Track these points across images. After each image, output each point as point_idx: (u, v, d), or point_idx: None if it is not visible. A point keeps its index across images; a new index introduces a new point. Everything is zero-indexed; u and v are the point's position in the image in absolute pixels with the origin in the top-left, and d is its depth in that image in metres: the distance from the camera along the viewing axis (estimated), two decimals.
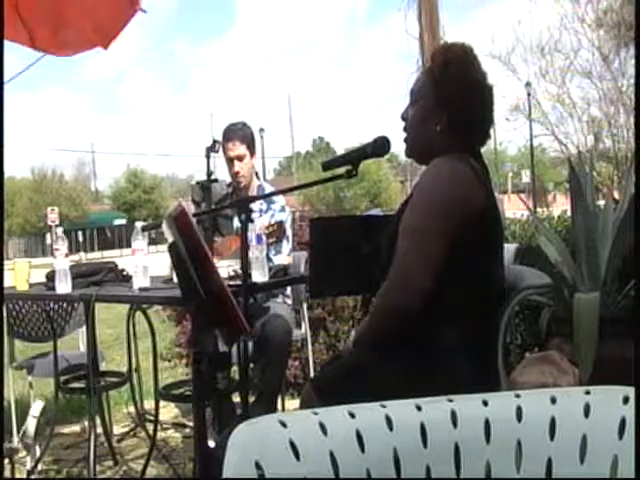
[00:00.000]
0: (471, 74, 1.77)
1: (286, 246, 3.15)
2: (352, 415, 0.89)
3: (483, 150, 1.85)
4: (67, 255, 2.61)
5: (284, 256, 3.10)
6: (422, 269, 1.62)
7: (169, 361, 4.35)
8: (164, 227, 1.79)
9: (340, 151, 37.85)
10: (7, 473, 2.82)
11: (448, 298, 1.63)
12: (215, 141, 2.94)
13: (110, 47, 3.32)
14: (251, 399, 2.77)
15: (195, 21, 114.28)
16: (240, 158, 3.17)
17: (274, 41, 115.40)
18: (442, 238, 1.63)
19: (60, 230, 2.76)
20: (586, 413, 0.90)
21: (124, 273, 2.84)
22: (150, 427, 3.02)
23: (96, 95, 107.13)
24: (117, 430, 3.47)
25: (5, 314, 3.13)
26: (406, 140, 1.87)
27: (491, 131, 1.84)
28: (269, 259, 2.88)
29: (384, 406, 0.91)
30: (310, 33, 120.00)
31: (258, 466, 0.81)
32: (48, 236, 34.24)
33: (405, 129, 1.86)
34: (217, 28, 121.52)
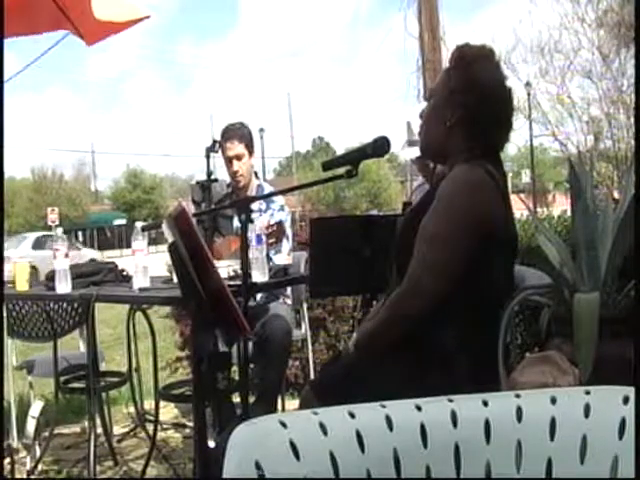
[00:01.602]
0: (489, 76, 1.75)
1: (286, 245, 3.15)
2: (352, 415, 0.89)
3: None
4: (67, 255, 2.61)
5: (284, 255, 3.10)
6: (440, 277, 1.63)
7: (170, 367, 4.33)
8: (164, 227, 1.79)
9: (340, 151, 37.90)
10: (7, 473, 2.82)
11: (451, 298, 1.64)
12: (215, 141, 2.95)
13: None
14: (251, 399, 2.77)
15: (197, 21, 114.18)
16: (239, 157, 3.18)
17: (276, 42, 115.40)
18: (461, 246, 1.64)
19: (60, 230, 2.76)
20: (586, 413, 0.90)
21: (124, 273, 2.84)
22: (150, 427, 3.02)
23: (96, 95, 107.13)
24: (117, 430, 3.47)
25: (5, 314, 3.12)
26: (420, 137, 1.87)
27: (510, 135, 1.83)
28: (269, 259, 2.88)
29: (384, 406, 0.91)
30: (311, 34, 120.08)
31: (258, 466, 0.81)
32: None
33: (422, 127, 1.86)
34: (219, 28, 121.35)
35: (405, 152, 2.81)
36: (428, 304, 1.62)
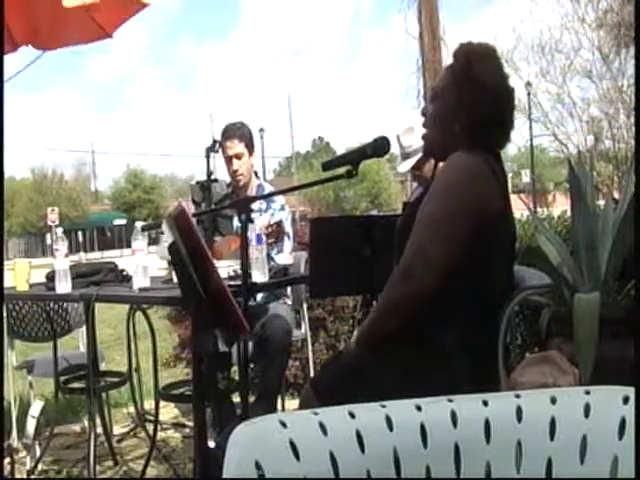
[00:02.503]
0: (493, 76, 1.74)
1: (287, 244, 3.15)
2: (352, 415, 0.89)
3: None
4: (67, 255, 2.62)
5: (286, 255, 3.10)
6: (433, 261, 1.62)
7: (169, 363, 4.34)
8: (164, 227, 1.79)
9: (340, 151, 37.88)
10: (7, 473, 2.82)
11: (451, 297, 1.63)
12: (215, 141, 2.95)
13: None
14: (251, 399, 2.77)
15: (199, 21, 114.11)
16: (238, 156, 3.18)
17: (276, 42, 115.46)
18: (455, 232, 1.63)
19: (60, 230, 2.76)
20: (586, 413, 0.90)
21: (124, 273, 2.84)
22: (150, 427, 3.02)
23: (96, 95, 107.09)
24: (117, 430, 3.47)
25: (5, 314, 3.12)
26: (424, 137, 1.87)
27: (510, 136, 1.83)
28: (271, 258, 2.89)
29: (384, 406, 0.91)
30: (312, 34, 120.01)
31: (258, 466, 0.81)
32: (48, 236, 34.24)
33: (424, 125, 1.86)
34: (221, 28, 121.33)
35: (402, 167, 2.85)
36: (421, 285, 1.61)
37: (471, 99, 1.71)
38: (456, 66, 1.77)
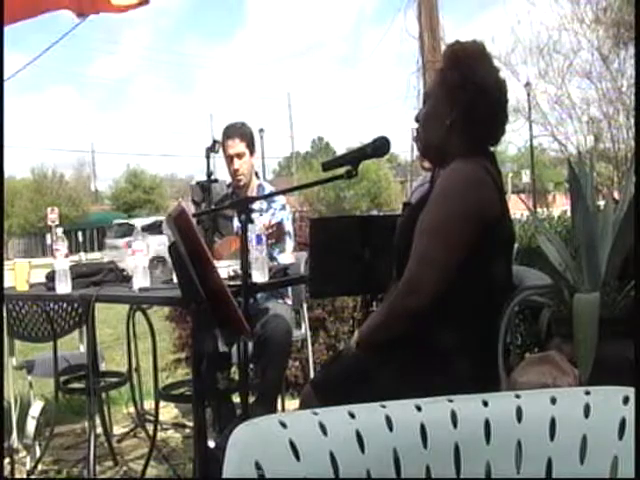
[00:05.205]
0: (482, 72, 1.75)
1: (289, 243, 3.16)
2: (352, 415, 0.89)
3: None
4: (67, 255, 2.61)
5: (288, 254, 3.11)
6: (439, 271, 1.63)
7: (169, 368, 4.34)
8: (164, 227, 1.79)
9: (340, 151, 37.85)
10: (7, 473, 2.82)
11: (451, 299, 1.63)
12: (215, 141, 2.95)
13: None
14: (251, 399, 2.77)
15: (202, 22, 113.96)
16: (239, 156, 3.19)
17: (277, 43, 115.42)
18: (459, 241, 1.63)
19: (60, 230, 2.76)
20: (586, 413, 0.90)
21: (124, 273, 2.84)
22: (150, 427, 3.02)
23: (97, 95, 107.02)
24: (117, 430, 3.47)
25: (5, 314, 3.12)
26: (419, 139, 1.87)
27: (505, 129, 1.83)
28: (273, 258, 2.88)
29: (384, 406, 0.91)
30: (315, 35, 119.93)
31: (258, 466, 0.81)
32: (48, 236, 34.21)
33: (418, 129, 1.86)
34: (224, 30, 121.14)
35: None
36: (428, 298, 1.62)
37: (462, 97, 1.72)
38: (445, 65, 1.78)
